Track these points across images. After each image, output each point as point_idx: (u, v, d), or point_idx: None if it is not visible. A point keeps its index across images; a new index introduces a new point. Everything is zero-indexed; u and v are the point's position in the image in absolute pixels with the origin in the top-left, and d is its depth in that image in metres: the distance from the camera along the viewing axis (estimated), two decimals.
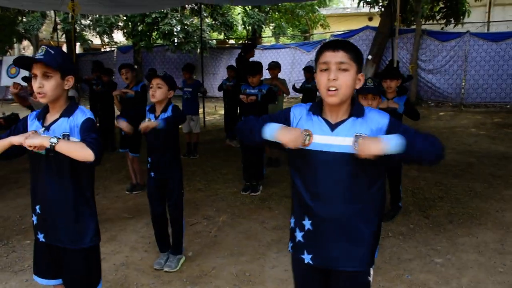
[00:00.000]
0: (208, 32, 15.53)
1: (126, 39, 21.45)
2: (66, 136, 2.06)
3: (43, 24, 16.80)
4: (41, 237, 2.19)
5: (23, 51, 23.09)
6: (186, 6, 14.47)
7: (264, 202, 5.14)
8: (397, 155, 1.64)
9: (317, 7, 19.18)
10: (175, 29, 14.12)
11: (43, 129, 2.09)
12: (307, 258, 1.88)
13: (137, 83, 5.58)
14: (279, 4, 17.22)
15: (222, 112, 10.28)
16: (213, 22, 16.37)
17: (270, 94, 5.30)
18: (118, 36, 20.49)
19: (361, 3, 14.15)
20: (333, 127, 1.78)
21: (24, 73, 15.65)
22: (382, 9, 14.44)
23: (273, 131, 1.76)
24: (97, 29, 16.17)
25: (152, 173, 3.48)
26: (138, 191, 5.54)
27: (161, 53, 17.82)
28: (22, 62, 2.09)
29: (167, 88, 3.30)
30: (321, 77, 1.75)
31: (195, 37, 14.80)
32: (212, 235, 4.27)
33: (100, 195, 5.43)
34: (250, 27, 17.73)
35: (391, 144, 1.62)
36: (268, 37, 22.89)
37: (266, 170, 5.83)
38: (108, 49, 20.42)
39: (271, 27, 20.94)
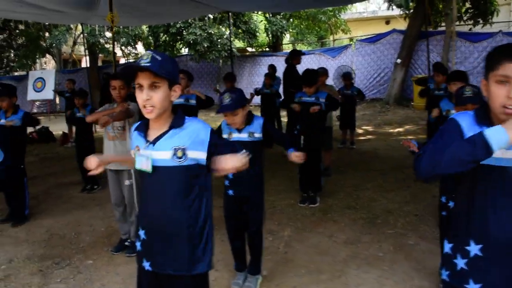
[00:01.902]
0: (229, 41, 15.39)
1: (146, 50, 21.57)
2: (180, 150, 1.83)
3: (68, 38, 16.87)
4: (147, 265, 1.96)
5: (45, 65, 23.28)
6: (210, 15, 14.38)
7: (326, 214, 4.89)
8: None
9: (337, 12, 19.00)
10: (199, 38, 13.99)
11: (147, 143, 1.87)
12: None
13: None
14: (301, 10, 17.07)
15: None
16: (236, 30, 16.27)
17: (332, 101, 5.09)
18: (139, 48, 20.53)
19: (390, 6, 13.84)
20: None
21: (49, 87, 15.72)
22: (410, 11, 14.18)
23: (503, 136, 1.38)
24: (121, 40, 16.13)
25: (230, 191, 3.22)
26: None
27: (183, 63, 17.75)
28: (127, 72, 1.84)
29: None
30: (498, 90, 1.48)
31: (219, 46, 14.69)
32: (281, 251, 4.03)
33: None
34: (271, 34, 17.60)
35: None
36: (286, 44, 22.72)
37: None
38: (131, 61, 20.43)
39: (292, 33, 20.74)
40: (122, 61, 23.29)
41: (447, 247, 1.73)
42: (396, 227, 4.50)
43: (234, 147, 1.83)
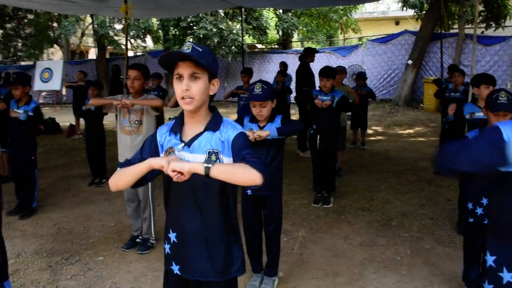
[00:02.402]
0: (241, 36, 15.27)
1: (155, 43, 21.44)
2: (213, 154, 1.73)
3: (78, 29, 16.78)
4: (176, 269, 1.86)
5: (52, 55, 23.22)
6: (221, 10, 14.26)
7: (340, 216, 4.79)
8: None
9: (348, 11, 18.84)
10: (210, 33, 13.88)
11: (182, 144, 1.76)
12: None
13: None
14: (313, 8, 16.93)
15: None
16: (247, 26, 16.15)
17: (344, 102, 4.93)
18: (148, 41, 20.43)
19: (404, 6, 13.66)
20: None
21: (56, 78, 15.65)
22: (423, 12, 14.01)
23: None
24: (131, 33, 16.04)
25: (248, 191, 3.11)
26: None
27: None
28: (167, 59, 1.72)
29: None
30: None
31: (229, 41, 14.58)
32: (296, 252, 3.93)
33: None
34: (281, 31, 17.46)
35: None
36: (295, 41, 22.56)
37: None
38: (139, 54, 20.34)
39: (302, 31, 20.58)
40: (130, 54, 23.20)
41: (490, 259, 1.64)
42: (412, 230, 4.40)
43: (257, 157, 1.70)
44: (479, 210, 2.97)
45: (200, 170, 1.55)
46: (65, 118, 12.78)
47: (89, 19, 18.96)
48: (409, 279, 3.44)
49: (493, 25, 13.45)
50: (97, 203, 5.41)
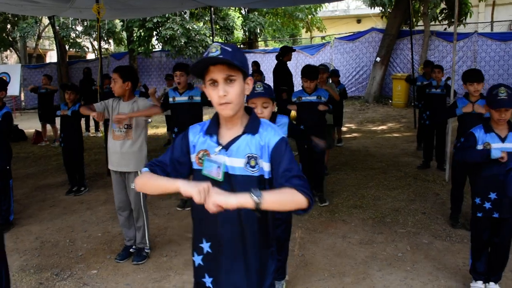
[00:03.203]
0: (208, 37, 15.06)
1: (117, 45, 20.85)
2: (253, 159, 1.61)
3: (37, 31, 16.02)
4: (208, 281, 1.73)
5: (6, 60, 22.12)
6: (188, 10, 14.00)
7: (334, 215, 4.75)
8: None
9: (313, 10, 18.98)
10: (176, 34, 13.59)
11: (219, 147, 1.63)
12: None
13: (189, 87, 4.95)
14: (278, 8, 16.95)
15: None
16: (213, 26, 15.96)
17: (332, 100, 4.94)
18: (111, 43, 19.82)
19: (372, 4, 13.90)
20: None
21: (14, 82, 14.92)
22: (389, 10, 14.30)
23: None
24: (94, 35, 15.49)
25: None
26: (190, 207, 5.07)
27: (157, 59, 17.28)
28: (198, 67, 1.58)
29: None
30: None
31: (197, 42, 14.35)
32: (297, 254, 3.85)
33: (150, 213, 4.93)
34: (248, 31, 17.38)
35: None
36: (260, 41, 22.52)
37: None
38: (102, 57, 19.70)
39: (268, 30, 20.55)
40: (91, 56, 22.46)
41: None
42: (407, 225, 4.41)
43: (301, 176, 1.58)
44: (487, 205, 2.99)
45: (250, 204, 1.44)
46: (28, 125, 12.20)
47: (46, 21, 18.19)
48: (414, 275, 3.43)
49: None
50: (79, 212, 5.14)
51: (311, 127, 4.89)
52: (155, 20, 13.59)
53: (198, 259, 1.75)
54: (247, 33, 17.78)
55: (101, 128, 10.30)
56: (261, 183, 1.62)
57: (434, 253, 3.81)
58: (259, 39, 21.92)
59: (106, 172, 6.80)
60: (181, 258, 3.80)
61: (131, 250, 3.83)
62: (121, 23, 15.19)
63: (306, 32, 21.20)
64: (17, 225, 4.76)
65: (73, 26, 15.12)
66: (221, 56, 1.51)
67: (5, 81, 4.95)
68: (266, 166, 1.62)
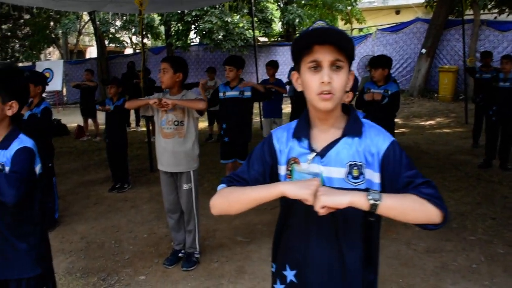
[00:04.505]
0: (246, 30, 14.79)
1: (155, 40, 20.92)
2: (356, 168, 1.31)
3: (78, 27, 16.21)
4: None
5: (49, 56, 22.63)
6: (226, 3, 13.79)
7: None
8: None
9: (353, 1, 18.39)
10: (215, 27, 13.40)
11: (313, 155, 1.33)
12: None
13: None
14: None
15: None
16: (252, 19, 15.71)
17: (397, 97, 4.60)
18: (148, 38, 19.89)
19: None
20: None
21: (57, 78, 15.18)
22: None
23: None
24: (133, 30, 15.52)
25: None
26: None
27: (195, 52, 17.18)
28: (301, 44, 1.29)
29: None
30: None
31: (235, 35, 14.13)
32: None
33: None
34: (286, 23, 17.01)
35: None
36: (298, 34, 22.06)
37: None
38: (139, 51, 19.82)
39: (305, 23, 20.12)
40: (129, 51, 22.66)
41: None
42: (477, 232, 4.01)
43: (431, 184, 1.29)
44: None
45: (364, 205, 1.17)
46: (71, 119, 12.31)
47: (86, 17, 18.43)
48: None
49: (506, 10, 13.07)
50: (123, 211, 4.99)
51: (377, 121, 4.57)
52: (193, 14, 13.44)
53: None
54: (285, 26, 17.38)
55: (142, 122, 10.25)
56: None
57: None
58: (297, 32, 21.52)
59: (148, 168, 6.69)
60: (233, 264, 3.55)
61: (180, 254, 3.61)
62: (159, 17, 15.13)
63: (345, 24, 20.55)
64: (62, 223, 4.65)
65: (113, 22, 15.16)
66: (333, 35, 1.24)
67: (44, 75, 4.86)
68: (375, 177, 1.31)
